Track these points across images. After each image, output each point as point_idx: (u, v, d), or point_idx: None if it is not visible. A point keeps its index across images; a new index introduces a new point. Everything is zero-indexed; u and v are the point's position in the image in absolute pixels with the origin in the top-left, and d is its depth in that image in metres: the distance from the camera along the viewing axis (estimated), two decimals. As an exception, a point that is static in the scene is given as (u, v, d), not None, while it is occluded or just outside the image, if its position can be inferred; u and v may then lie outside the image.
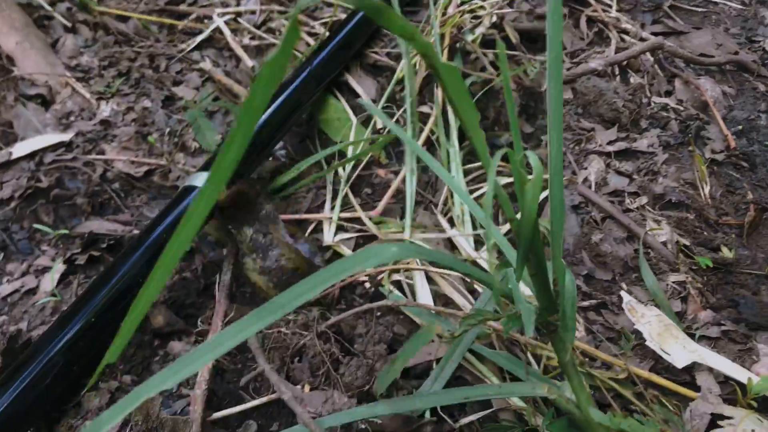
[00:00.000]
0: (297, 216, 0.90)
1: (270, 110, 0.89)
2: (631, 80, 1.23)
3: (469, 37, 1.08)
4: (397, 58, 1.11)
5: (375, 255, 0.38)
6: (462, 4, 1.06)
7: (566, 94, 1.17)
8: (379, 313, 0.73)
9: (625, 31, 1.36)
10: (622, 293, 0.76)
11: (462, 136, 0.96)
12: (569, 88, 1.18)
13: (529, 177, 0.41)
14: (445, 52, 1.01)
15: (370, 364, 0.65)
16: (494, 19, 1.13)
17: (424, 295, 0.76)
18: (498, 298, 0.51)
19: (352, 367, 0.65)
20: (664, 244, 0.86)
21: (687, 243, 0.87)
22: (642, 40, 1.34)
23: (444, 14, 1.07)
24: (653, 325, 0.72)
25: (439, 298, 0.79)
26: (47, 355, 0.61)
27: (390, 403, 0.60)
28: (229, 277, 0.78)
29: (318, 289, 0.37)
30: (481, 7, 1.11)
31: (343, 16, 1.19)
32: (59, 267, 0.84)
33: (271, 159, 0.97)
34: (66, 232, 0.87)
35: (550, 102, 0.48)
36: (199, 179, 0.77)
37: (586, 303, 0.79)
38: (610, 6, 1.44)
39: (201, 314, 0.77)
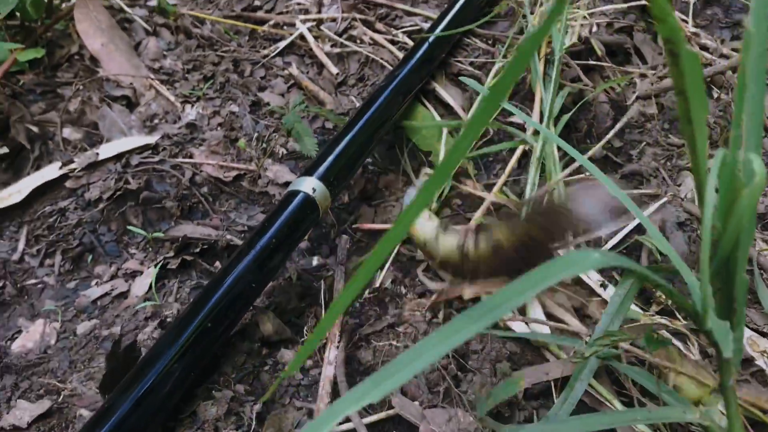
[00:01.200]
0: (388, 226, 0.87)
1: (361, 122, 0.87)
2: (719, 96, 1.19)
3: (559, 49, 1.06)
4: (481, 67, 1.09)
5: (577, 263, 0.36)
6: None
7: (651, 109, 1.14)
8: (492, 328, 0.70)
9: (705, 47, 1.33)
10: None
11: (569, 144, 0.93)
12: (654, 102, 1.15)
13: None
14: (542, 62, 0.99)
15: (494, 382, 0.62)
16: (584, 32, 1.11)
17: (535, 311, 0.73)
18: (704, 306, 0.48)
19: (475, 384, 0.62)
20: (779, 263, 0.83)
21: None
22: (722, 56, 1.31)
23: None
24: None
25: (549, 317, 0.76)
26: (165, 362, 0.59)
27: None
28: (342, 284, 0.75)
29: (522, 297, 0.35)
30: (573, 18, 1.09)
31: (425, 24, 1.18)
32: (151, 271, 0.83)
33: (360, 168, 0.95)
34: (161, 234, 0.85)
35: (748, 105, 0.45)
36: (304, 184, 0.75)
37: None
38: (686, 22, 1.41)
39: (303, 322, 0.75)
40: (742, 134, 0.44)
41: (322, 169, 0.78)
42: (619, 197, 0.57)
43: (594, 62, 1.07)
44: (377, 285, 0.83)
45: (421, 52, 1.02)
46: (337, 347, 0.67)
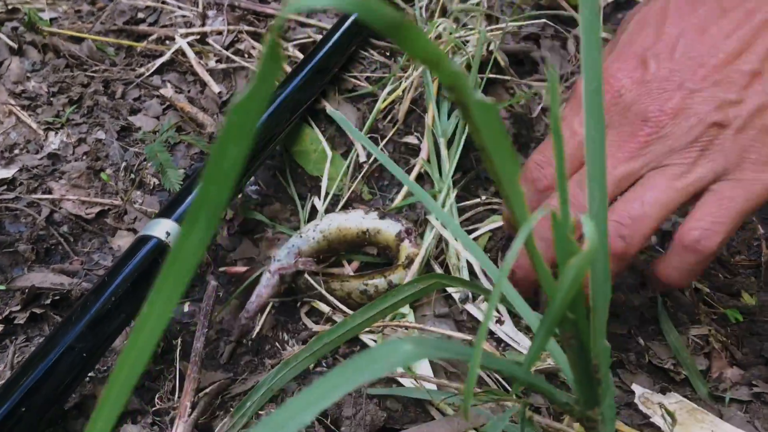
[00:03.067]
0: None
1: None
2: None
3: (457, 61, 1.00)
4: (377, 81, 1.02)
5: (384, 358, 0.28)
6: (451, 33, 0.97)
7: (559, 121, 1.09)
8: (369, 386, 0.62)
9: (616, 53, 1.29)
10: (634, 386, 0.67)
11: (456, 170, 0.87)
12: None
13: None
14: (436, 80, 0.92)
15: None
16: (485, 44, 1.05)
17: (422, 366, 0.66)
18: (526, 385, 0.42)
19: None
20: (682, 291, 0.78)
21: (706, 289, 0.79)
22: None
23: (437, 39, 0.98)
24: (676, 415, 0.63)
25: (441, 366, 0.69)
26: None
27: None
28: (202, 343, 0.66)
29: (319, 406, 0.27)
30: (471, 28, 1.02)
31: (320, 37, 1.10)
32: (-6, 328, 0.73)
33: (240, 196, 0.86)
34: (2, 287, 0.75)
35: (588, 144, 0.39)
36: (158, 228, 0.66)
37: (600, 362, 0.70)
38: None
39: (158, 387, 0.66)
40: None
41: (181, 208, 0.69)
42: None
43: (494, 75, 1.01)
44: (256, 332, 0.75)
45: (309, 67, 0.94)
46: (186, 421, 0.59)
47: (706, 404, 0.68)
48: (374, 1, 0.20)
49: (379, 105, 0.93)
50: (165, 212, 0.69)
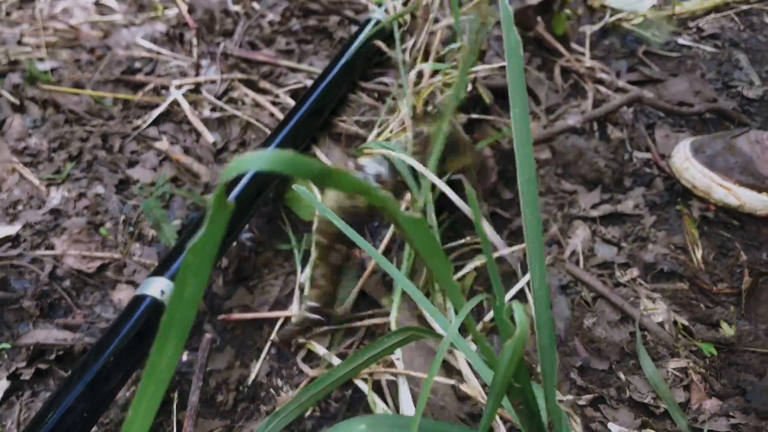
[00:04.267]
0: (261, 315, 0.83)
1: (235, 192, 0.82)
2: (611, 134, 1.18)
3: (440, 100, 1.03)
4: (366, 125, 1.05)
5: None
6: (436, 73, 1.01)
7: (545, 154, 1.12)
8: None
9: (601, 81, 1.32)
10: (610, 425, 0.70)
11: (443, 210, 0.90)
12: (547, 147, 1.13)
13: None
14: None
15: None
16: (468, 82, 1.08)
17: (407, 406, 0.69)
18: None
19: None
20: (662, 324, 0.80)
21: (685, 321, 0.82)
22: (618, 89, 1.30)
23: (418, 82, 1.02)
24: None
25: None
26: None
27: None
28: (197, 396, 0.70)
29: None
30: (455, 67, 1.05)
31: (310, 82, 1.14)
32: (2, 384, 0.76)
33: (235, 244, 0.90)
34: (7, 346, 0.79)
35: (522, 191, 0.42)
36: (153, 287, 0.70)
37: (582, 399, 0.73)
38: (583, 54, 1.40)
39: (157, 439, 0.70)
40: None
41: (175, 265, 0.72)
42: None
43: (477, 116, 1.04)
44: (252, 379, 0.78)
45: (298, 114, 0.97)
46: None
47: (687, 437, 0.71)
48: (301, 158, 0.24)
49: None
50: (160, 270, 0.72)
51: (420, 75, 1.00)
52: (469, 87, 1.07)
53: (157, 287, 0.70)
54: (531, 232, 0.40)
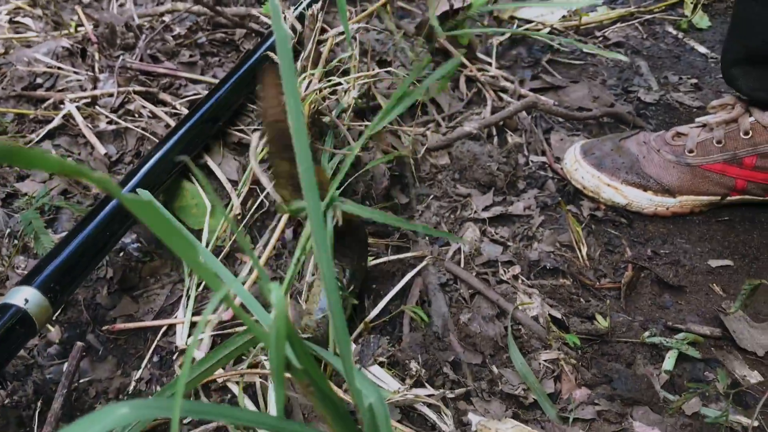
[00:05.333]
0: (145, 324, 0.83)
1: (103, 213, 0.82)
2: (510, 139, 1.21)
3: (337, 110, 1.04)
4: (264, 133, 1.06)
5: (101, 421, 0.32)
6: (326, 75, 1.02)
7: (443, 160, 1.14)
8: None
9: (504, 90, 1.35)
10: (470, 415, 0.71)
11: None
12: (446, 153, 1.15)
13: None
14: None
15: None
16: (363, 88, 1.10)
17: (274, 406, 0.69)
18: None
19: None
20: (536, 318, 0.82)
21: (560, 315, 0.84)
22: (521, 97, 1.33)
23: (308, 87, 1.03)
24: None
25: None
26: None
27: None
28: (60, 404, 0.69)
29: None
30: (345, 73, 1.07)
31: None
32: None
33: (122, 254, 0.90)
34: None
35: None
36: (17, 296, 0.69)
37: (454, 393, 0.74)
38: (490, 64, 1.44)
39: (21, 450, 0.68)
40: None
41: (43, 275, 0.72)
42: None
43: (366, 123, 1.06)
44: (132, 387, 0.78)
45: (188, 125, 0.98)
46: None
47: (555, 426, 0.72)
48: None
49: (257, 154, 0.96)
50: (27, 279, 0.72)
51: (309, 83, 1.02)
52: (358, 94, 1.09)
53: (22, 296, 0.69)
54: (314, 216, 0.41)
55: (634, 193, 1.04)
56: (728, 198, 1.04)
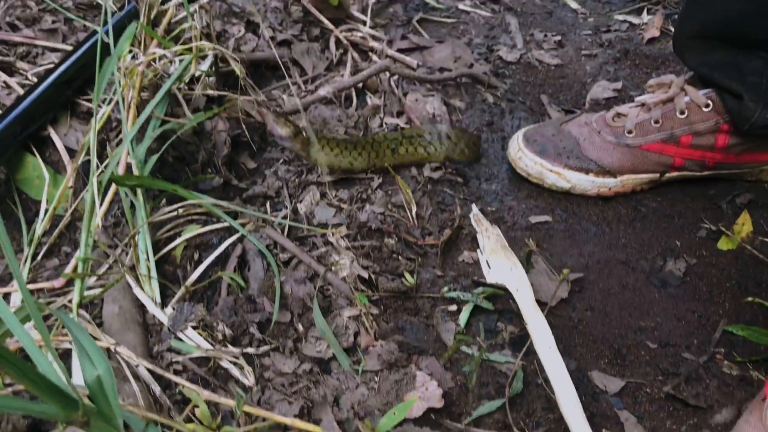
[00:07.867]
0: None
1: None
2: (369, 101, 1.26)
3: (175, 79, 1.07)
4: (111, 102, 1.09)
5: None
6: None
7: (301, 124, 1.19)
8: None
9: (373, 50, 1.39)
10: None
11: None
12: (303, 116, 1.20)
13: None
14: (131, 105, 0.99)
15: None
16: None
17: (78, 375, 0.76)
18: None
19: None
20: (344, 279, 0.89)
21: (367, 275, 0.90)
22: (388, 57, 1.38)
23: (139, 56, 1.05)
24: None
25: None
26: None
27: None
28: None
29: None
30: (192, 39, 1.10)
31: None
32: None
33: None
34: None
35: None
36: None
37: (258, 350, 0.81)
38: (365, 23, 1.47)
39: None
40: None
41: None
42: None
43: (218, 93, 1.09)
44: None
45: (37, 92, 1.01)
46: None
47: (348, 376, 0.80)
48: None
49: (96, 125, 0.99)
50: None
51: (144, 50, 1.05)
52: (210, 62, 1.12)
53: None
54: None
55: (577, 177, 1.08)
56: (667, 175, 1.10)
